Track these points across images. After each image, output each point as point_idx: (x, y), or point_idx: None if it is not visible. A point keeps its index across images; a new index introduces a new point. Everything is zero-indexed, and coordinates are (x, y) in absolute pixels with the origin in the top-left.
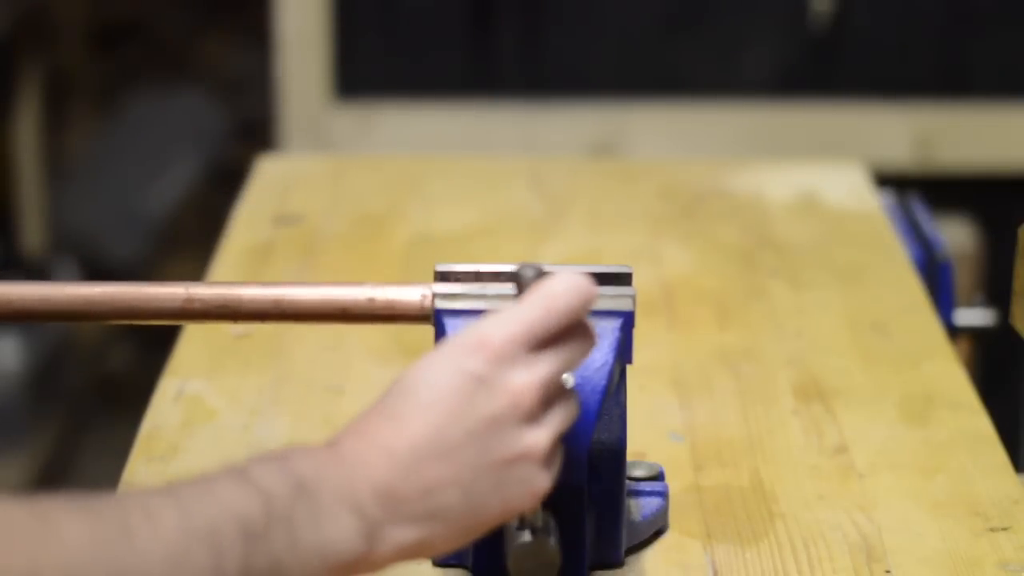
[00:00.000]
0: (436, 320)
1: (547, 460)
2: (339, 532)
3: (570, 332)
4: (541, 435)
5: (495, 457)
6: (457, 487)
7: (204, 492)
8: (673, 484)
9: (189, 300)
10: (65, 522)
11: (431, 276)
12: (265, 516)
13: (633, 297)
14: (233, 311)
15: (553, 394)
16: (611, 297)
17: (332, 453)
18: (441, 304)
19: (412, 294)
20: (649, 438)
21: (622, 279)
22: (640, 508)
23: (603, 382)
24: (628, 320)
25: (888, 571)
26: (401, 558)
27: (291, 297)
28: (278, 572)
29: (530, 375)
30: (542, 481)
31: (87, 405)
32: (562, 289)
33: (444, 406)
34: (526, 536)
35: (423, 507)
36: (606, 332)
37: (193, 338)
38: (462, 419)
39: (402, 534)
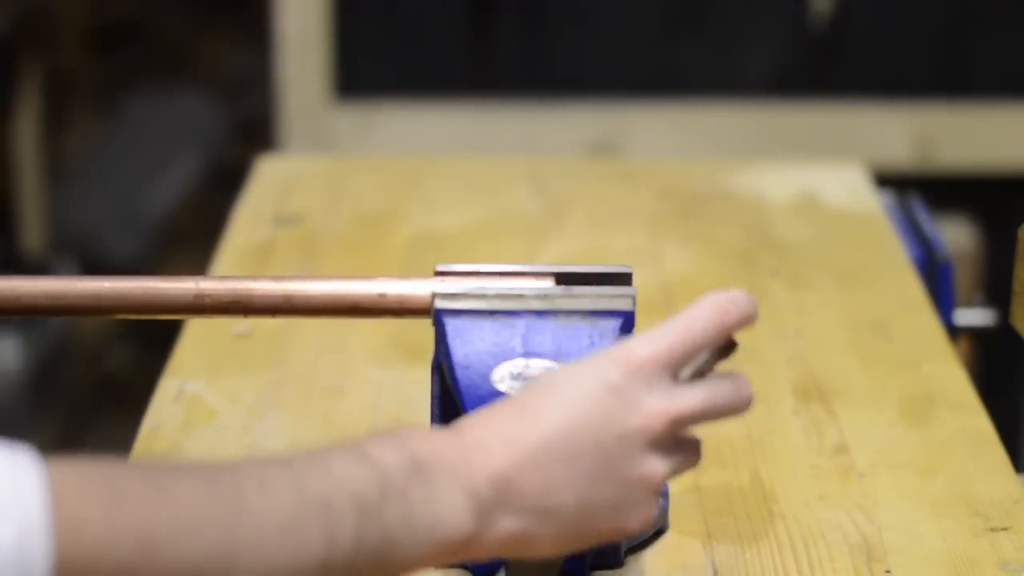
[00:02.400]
0: (436, 319)
1: (659, 492)
2: (451, 511)
3: (719, 356)
4: (662, 466)
5: (617, 473)
6: (574, 492)
7: (319, 465)
8: (673, 484)
9: (200, 295)
10: (179, 486)
11: (432, 276)
12: (380, 491)
13: (633, 297)
14: (244, 305)
15: (683, 432)
16: (611, 297)
17: (453, 436)
18: (441, 304)
19: (423, 289)
20: None
21: (622, 279)
22: None
23: None
24: (628, 320)
25: (888, 571)
26: (505, 549)
27: (302, 292)
28: (390, 546)
29: (666, 403)
30: (651, 510)
31: (87, 405)
32: (705, 307)
33: (578, 409)
34: None
35: (537, 502)
36: (606, 332)
37: (193, 338)
38: (594, 427)
39: (512, 523)
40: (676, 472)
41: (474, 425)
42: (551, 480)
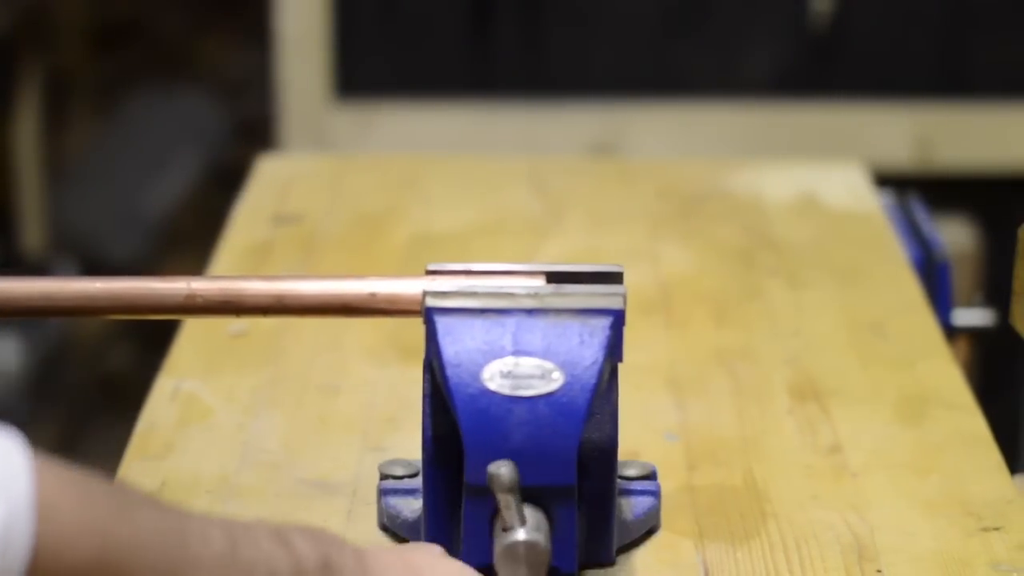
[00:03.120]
0: (427, 318)
1: None
2: None
3: None
4: None
5: None
6: None
7: (251, 537)
8: (666, 483)
9: (191, 295)
10: (139, 509)
11: (423, 275)
12: (293, 575)
13: (624, 296)
14: (235, 305)
15: None
16: (602, 295)
17: (359, 555)
18: (432, 302)
19: (414, 288)
20: (644, 437)
21: (613, 278)
22: (632, 507)
23: (593, 380)
24: (619, 318)
25: (879, 571)
26: None
27: (293, 291)
28: None
29: None
30: None
31: (87, 405)
32: None
33: None
34: (516, 535)
35: None
36: (596, 330)
37: (190, 337)
38: None
39: None
40: None
41: (378, 559)
42: None
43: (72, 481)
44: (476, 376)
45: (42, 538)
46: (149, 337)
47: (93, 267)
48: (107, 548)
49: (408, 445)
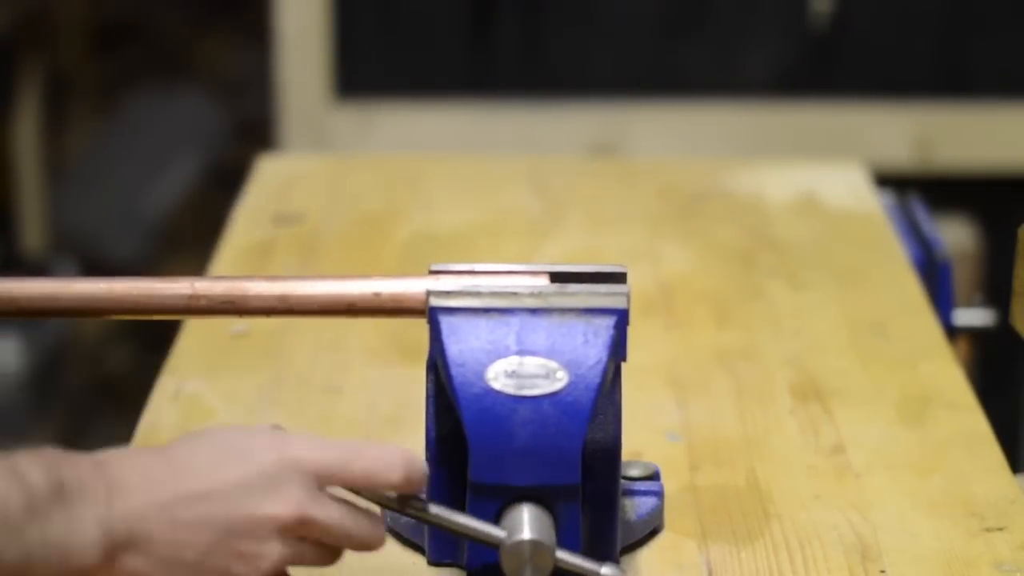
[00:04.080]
0: (431, 318)
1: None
2: (83, 541)
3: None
4: (277, 555)
5: (236, 548)
6: (195, 552)
7: None
8: (669, 484)
9: (194, 295)
10: None
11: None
12: (24, 509)
13: (627, 295)
14: (238, 306)
15: (310, 534)
16: (605, 295)
17: (98, 467)
18: (436, 302)
19: (418, 288)
20: (646, 438)
21: (616, 278)
22: (635, 507)
23: (597, 380)
24: (622, 318)
25: (883, 571)
26: None
27: (297, 292)
28: (26, 563)
29: (304, 503)
30: None
31: (87, 405)
32: (379, 454)
33: (223, 478)
34: (521, 535)
35: (162, 552)
36: (600, 330)
37: (191, 337)
38: (232, 499)
39: (137, 564)
40: (287, 564)
41: (122, 461)
42: (179, 535)
43: None
44: (480, 375)
45: None
46: (149, 337)
47: (93, 267)
48: None
49: (410, 445)
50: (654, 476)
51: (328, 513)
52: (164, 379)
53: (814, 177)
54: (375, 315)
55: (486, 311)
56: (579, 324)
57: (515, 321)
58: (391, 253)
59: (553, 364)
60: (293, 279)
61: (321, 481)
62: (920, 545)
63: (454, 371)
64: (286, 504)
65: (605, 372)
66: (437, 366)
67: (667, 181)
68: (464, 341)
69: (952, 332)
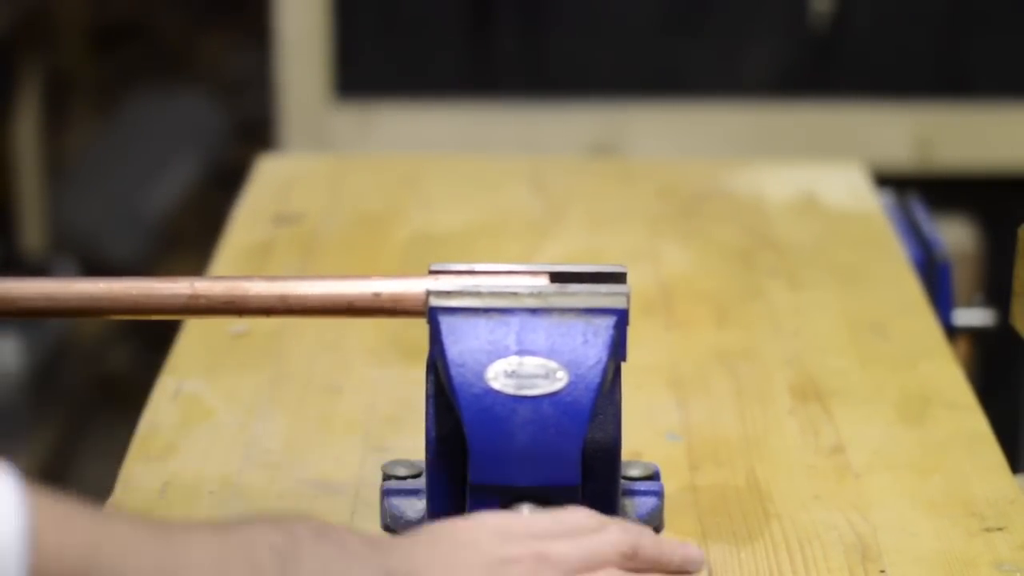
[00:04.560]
0: (431, 318)
1: None
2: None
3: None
4: None
5: None
6: None
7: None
8: (669, 484)
9: (194, 295)
10: (115, 517)
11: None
12: (294, 546)
13: (627, 295)
14: (239, 306)
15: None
16: (605, 295)
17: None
18: (436, 302)
19: (417, 288)
20: (646, 438)
21: (617, 278)
22: (635, 508)
23: (597, 379)
24: (622, 318)
25: (883, 571)
26: None
27: (296, 292)
28: None
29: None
30: None
31: (87, 405)
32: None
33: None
34: None
35: None
36: (600, 330)
37: (190, 338)
38: None
39: None
40: None
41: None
42: None
43: (55, 505)
44: (480, 376)
45: (33, 565)
46: (149, 338)
47: (93, 267)
48: (94, 562)
49: (410, 445)
50: (654, 476)
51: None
52: (164, 379)
53: (814, 177)
54: (375, 315)
55: (486, 311)
56: (579, 324)
57: (515, 321)
58: (391, 253)
59: (553, 364)
60: (293, 279)
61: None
62: (920, 545)
63: (454, 371)
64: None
65: (605, 372)
66: (437, 366)
67: (667, 181)
68: (464, 341)
69: (952, 332)
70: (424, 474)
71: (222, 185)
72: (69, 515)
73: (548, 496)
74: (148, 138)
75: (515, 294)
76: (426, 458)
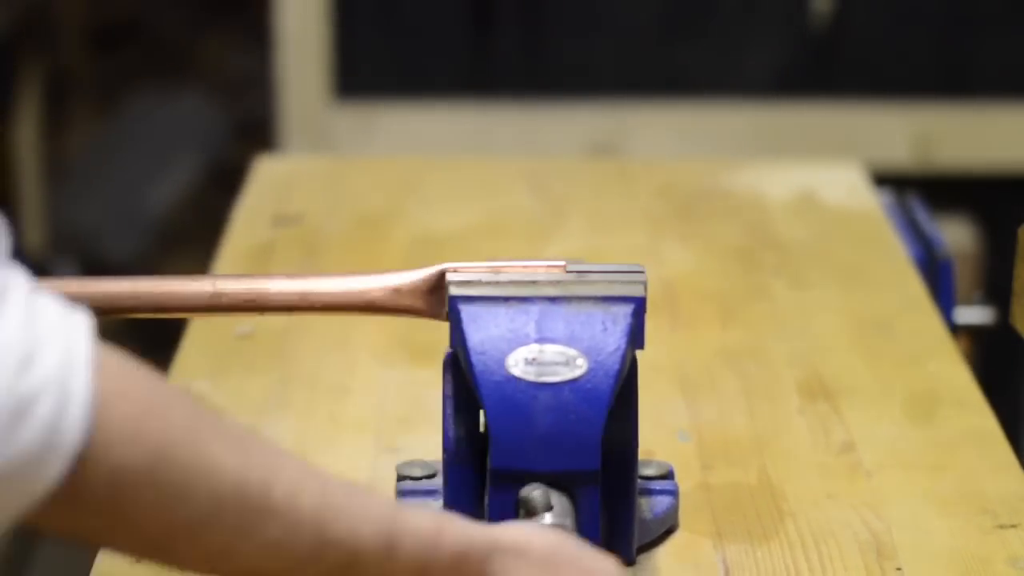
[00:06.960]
0: (451, 307)
1: None
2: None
3: None
4: None
5: None
6: None
7: (345, 509)
8: (682, 483)
9: (216, 294)
10: (219, 449)
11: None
12: (384, 552)
13: (645, 283)
14: (260, 304)
15: None
16: (623, 283)
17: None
18: (456, 291)
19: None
20: (656, 437)
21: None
22: (651, 506)
23: (616, 367)
24: (640, 306)
25: (899, 568)
26: None
27: (317, 289)
28: None
29: None
30: None
31: None
32: None
33: None
34: (542, 521)
35: None
36: (619, 317)
37: (197, 339)
38: None
39: None
40: None
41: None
42: None
43: (141, 379)
44: (501, 363)
45: (97, 429)
46: (153, 339)
47: (93, 267)
48: (162, 462)
49: (422, 445)
50: (668, 475)
51: None
52: (170, 381)
53: (813, 177)
54: (395, 313)
55: (506, 300)
56: (597, 312)
57: (535, 309)
58: (391, 254)
59: (572, 352)
60: (313, 276)
61: None
62: (934, 543)
63: (475, 359)
64: None
65: (624, 359)
66: (457, 358)
67: (667, 181)
68: (484, 330)
69: (953, 331)
70: (439, 474)
71: (222, 185)
72: (150, 399)
73: (568, 481)
74: (148, 138)
75: (534, 283)
76: (443, 458)
